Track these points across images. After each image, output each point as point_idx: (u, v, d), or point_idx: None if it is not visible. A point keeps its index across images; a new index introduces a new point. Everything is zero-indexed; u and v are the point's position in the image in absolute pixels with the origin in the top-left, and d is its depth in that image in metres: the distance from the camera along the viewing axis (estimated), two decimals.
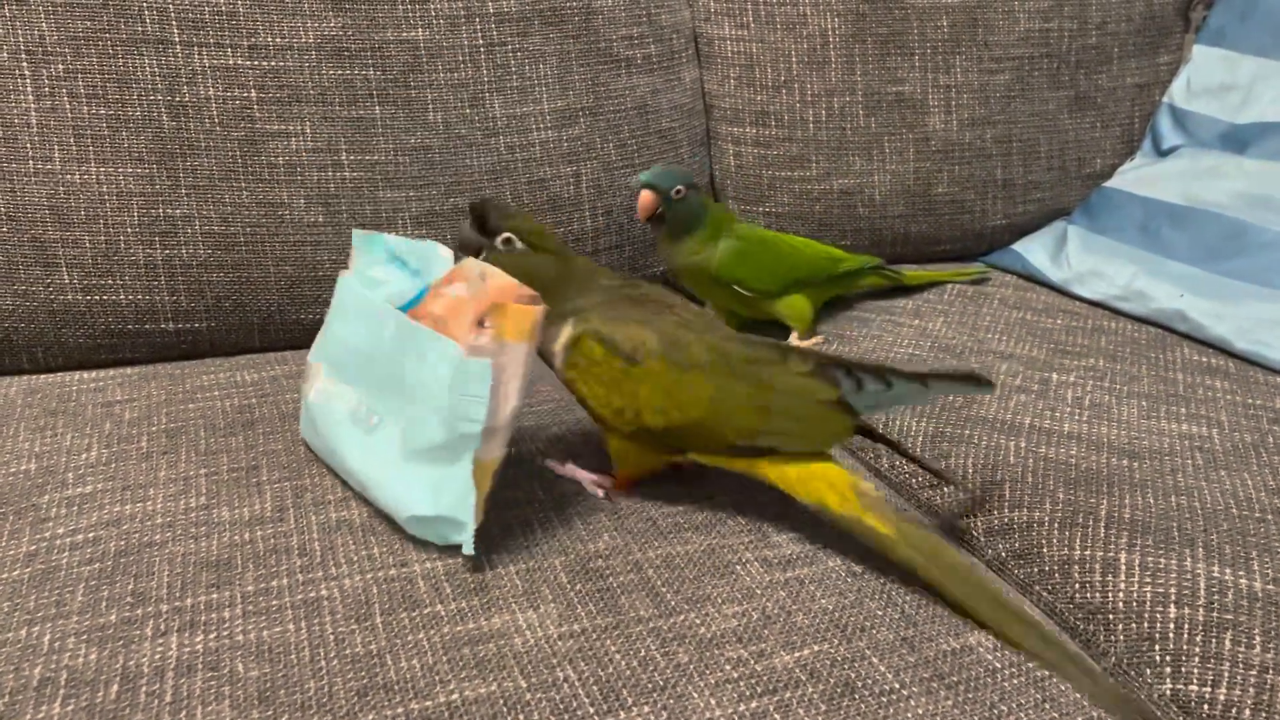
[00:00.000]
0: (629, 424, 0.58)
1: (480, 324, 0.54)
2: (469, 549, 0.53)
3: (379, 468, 0.57)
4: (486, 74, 0.89)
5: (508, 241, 0.60)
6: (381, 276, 0.65)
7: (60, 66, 0.77)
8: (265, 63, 0.82)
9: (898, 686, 0.48)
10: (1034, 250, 1.08)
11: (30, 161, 0.77)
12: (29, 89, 0.77)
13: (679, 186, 0.81)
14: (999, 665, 0.50)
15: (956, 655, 0.50)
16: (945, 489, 0.69)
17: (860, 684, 0.48)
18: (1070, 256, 1.04)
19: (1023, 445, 0.69)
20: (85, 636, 0.49)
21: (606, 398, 0.58)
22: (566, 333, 0.59)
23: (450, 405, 0.54)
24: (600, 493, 0.62)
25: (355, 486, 0.60)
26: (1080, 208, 1.12)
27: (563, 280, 0.60)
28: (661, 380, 0.57)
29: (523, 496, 0.61)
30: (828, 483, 0.56)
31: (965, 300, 0.97)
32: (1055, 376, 0.80)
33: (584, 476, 0.63)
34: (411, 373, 0.56)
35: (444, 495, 0.54)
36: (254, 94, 0.82)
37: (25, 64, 0.77)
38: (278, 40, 0.82)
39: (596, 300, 0.60)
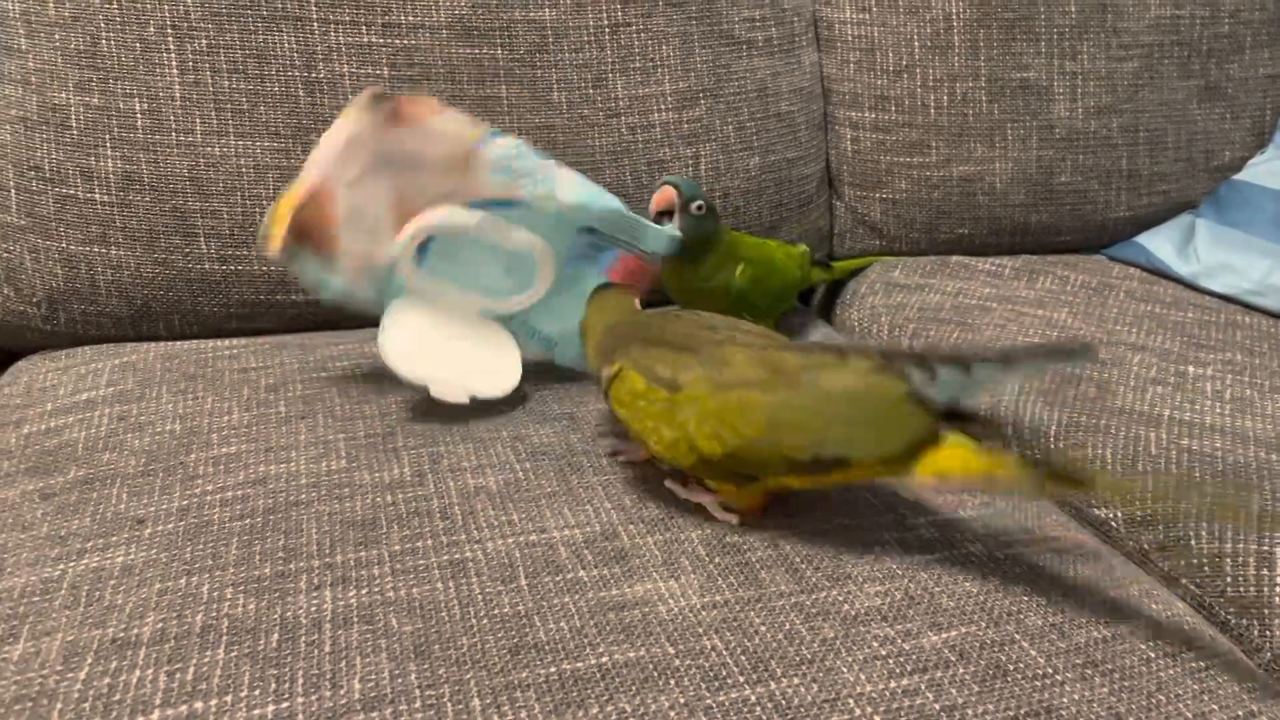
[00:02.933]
0: (685, 456, 0.54)
1: None
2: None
3: None
4: (610, 54, 0.89)
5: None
6: None
7: (204, 41, 0.80)
8: (398, 40, 0.83)
9: (1051, 671, 0.47)
10: (1159, 243, 1.05)
11: (173, 133, 0.80)
12: (174, 63, 0.79)
13: (700, 202, 0.73)
14: (1153, 655, 0.49)
15: (1109, 643, 0.49)
16: None
17: (1012, 667, 0.47)
18: (1199, 250, 1.00)
19: (1163, 437, 0.67)
20: (242, 587, 0.50)
21: (657, 431, 0.54)
22: (607, 372, 0.57)
23: None
24: (734, 519, 0.57)
25: None
26: (1208, 200, 1.08)
27: (618, 330, 0.59)
28: (707, 403, 0.52)
29: (653, 473, 0.61)
30: (947, 456, 0.50)
31: (1089, 292, 0.95)
32: (1192, 369, 0.77)
33: (709, 500, 0.58)
34: None
35: None
36: (386, 71, 0.83)
37: (171, 38, 0.79)
38: (410, 19, 0.83)
39: (639, 334, 0.58)
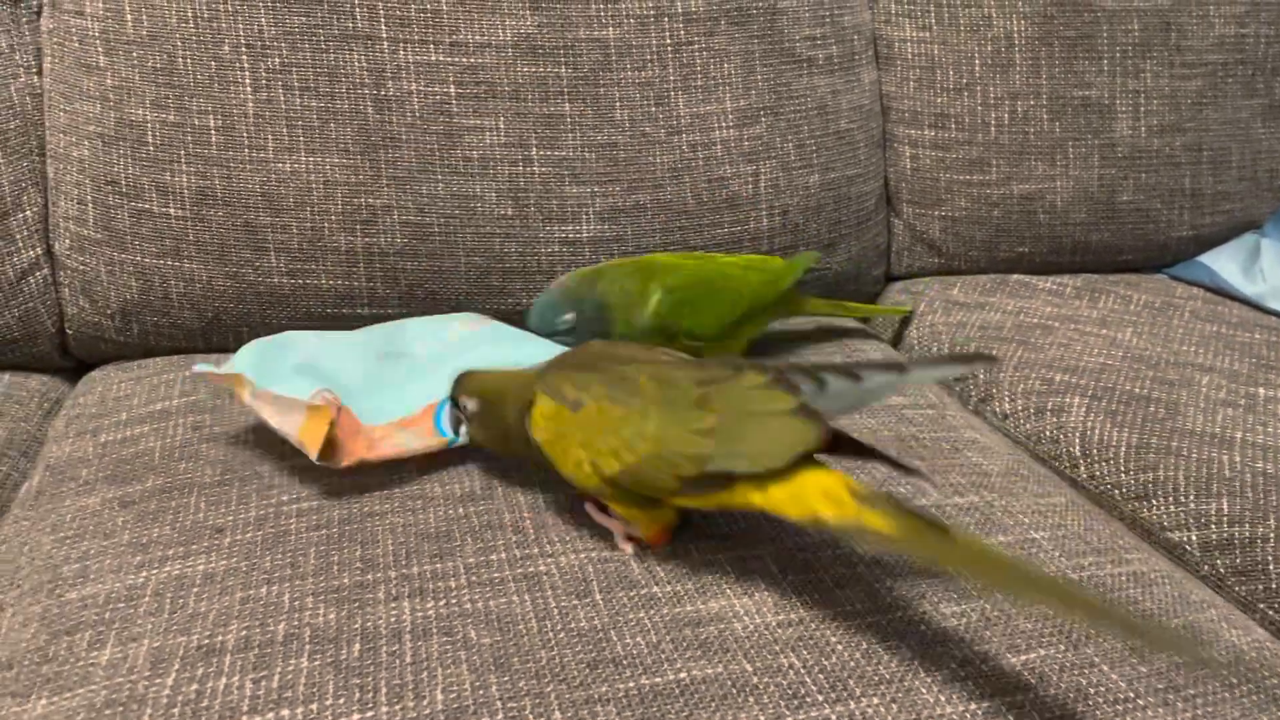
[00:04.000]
0: (589, 478, 0.53)
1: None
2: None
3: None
4: (673, 73, 0.89)
5: (472, 408, 0.60)
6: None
7: (276, 60, 0.81)
8: (464, 59, 0.84)
9: (1133, 696, 0.46)
10: (1223, 263, 1.03)
11: (246, 150, 0.81)
12: (248, 81, 0.81)
13: (562, 320, 0.73)
14: (1235, 681, 0.48)
15: (1189, 669, 0.48)
16: (1151, 501, 0.66)
17: (1093, 691, 0.46)
18: (1265, 270, 0.99)
19: (1237, 460, 0.67)
20: (322, 597, 0.51)
21: (567, 453, 0.54)
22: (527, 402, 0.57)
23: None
24: (629, 548, 0.55)
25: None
26: (1272, 220, 1.07)
27: (516, 390, 0.58)
28: (606, 420, 0.52)
29: None
30: (820, 491, 0.48)
31: (1153, 312, 0.94)
32: (1263, 392, 0.76)
33: (616, 528, 0.57)
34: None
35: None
36: (453, 89, 0.84)
37: (245, 57, 0.81)
38: (477, 38, 0.84)
39: (550, 364, 0.58)
